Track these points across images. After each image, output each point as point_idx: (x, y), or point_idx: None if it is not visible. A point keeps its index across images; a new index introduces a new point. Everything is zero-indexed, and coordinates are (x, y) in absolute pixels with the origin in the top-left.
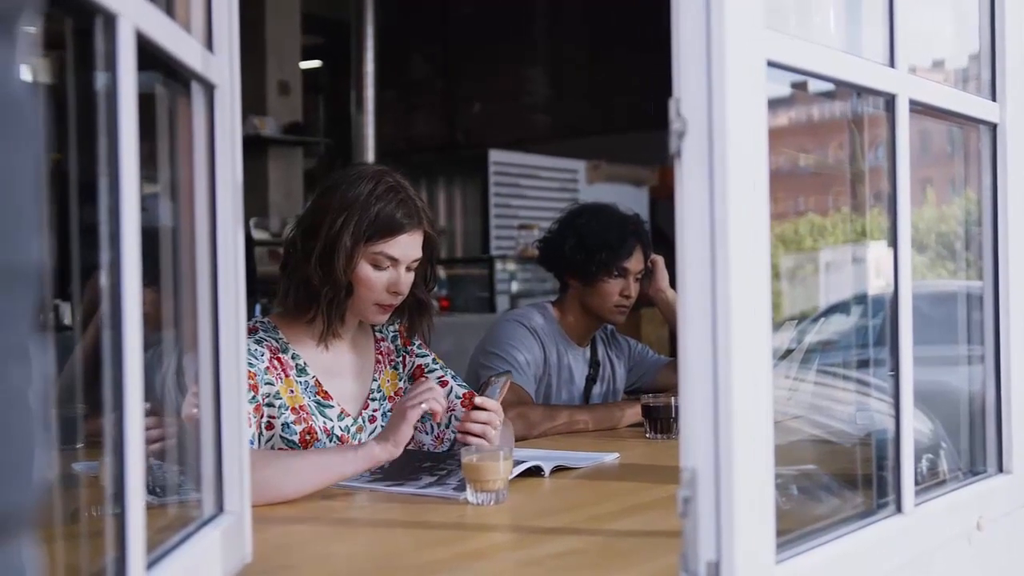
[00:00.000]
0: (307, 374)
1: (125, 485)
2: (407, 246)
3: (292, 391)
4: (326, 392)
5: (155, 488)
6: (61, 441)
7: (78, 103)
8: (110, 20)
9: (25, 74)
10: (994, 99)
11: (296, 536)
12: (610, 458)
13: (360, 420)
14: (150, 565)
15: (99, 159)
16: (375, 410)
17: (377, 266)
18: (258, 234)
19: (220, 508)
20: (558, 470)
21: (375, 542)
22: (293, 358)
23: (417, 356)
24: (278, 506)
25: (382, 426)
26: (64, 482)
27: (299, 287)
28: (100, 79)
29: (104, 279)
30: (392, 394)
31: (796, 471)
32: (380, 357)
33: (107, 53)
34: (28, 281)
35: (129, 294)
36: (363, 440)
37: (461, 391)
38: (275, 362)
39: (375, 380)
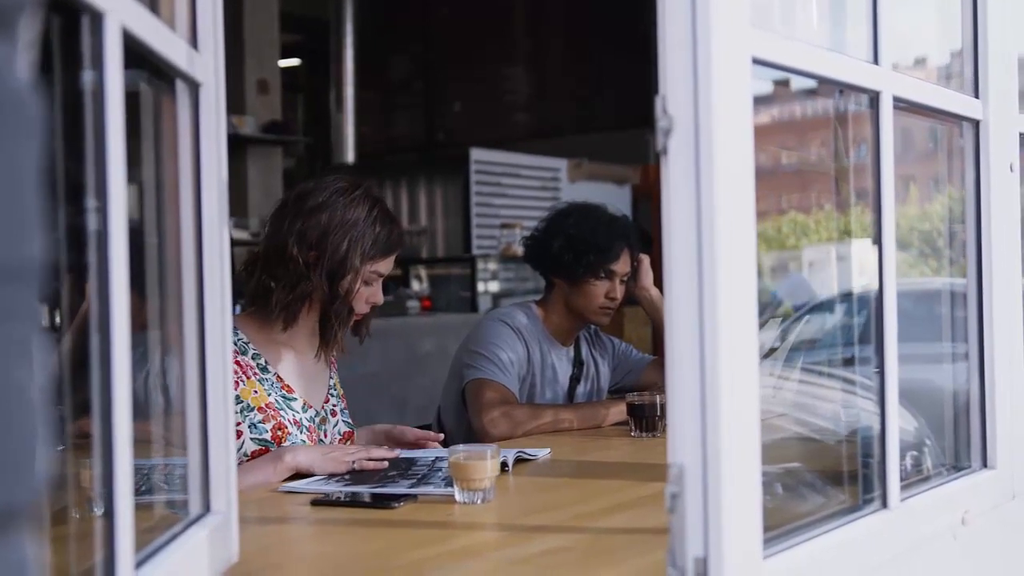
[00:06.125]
0: (269, 372)
1: (113, 486)
2: (392, 263)
3: (256, 391)
4: (288, 386)
5: (139, 487)
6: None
7: (63, 101)
8: (97, 18)
9: (25, 72)
10: (977, 96)
11: (283, 536)
12: (542, 454)
13: (323, 412)
14: (138, 565)
15: (85, 158)
16: (334, 405)
17: (366, 282)
18: (237, 234)
19: (207, 508)
20: (519, 461)
21: (362, 541)
22: (253, 358)
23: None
24: (265, 506)
25: (343, 420)
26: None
27: (300, 300)
28: (86, 77)
29: (90, 280)
30: (341, 394)
31: (782, 469)
32: (333, 360)
33: (93, 51)
34: (30, 278)
35: (116, 294)
36: (328, 432)
37: (344, 428)
38: (234, 365)
39: (331, 378)
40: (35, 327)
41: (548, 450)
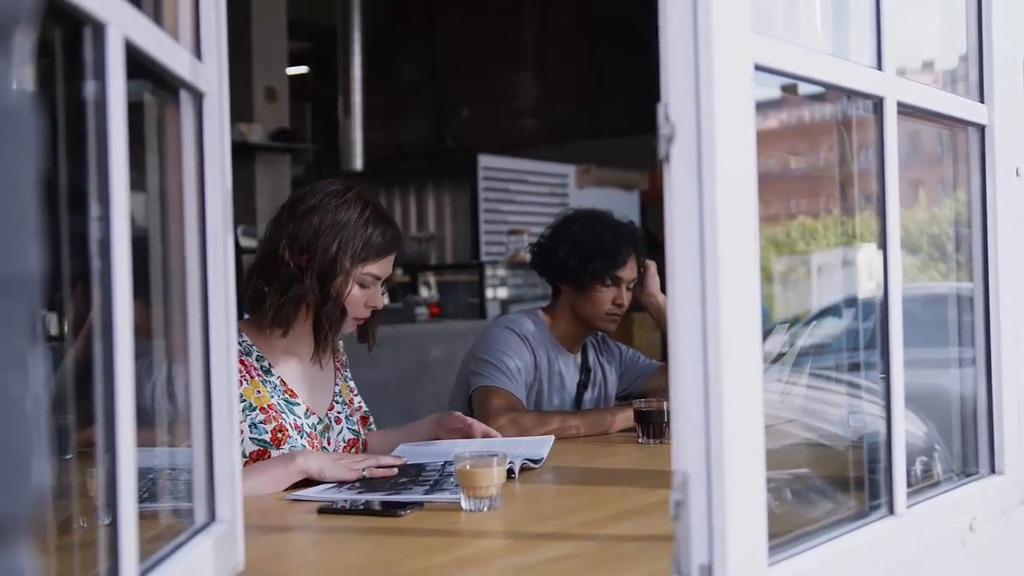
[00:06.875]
0: (273, 375)
1: (117, 495)
2: (390, 265)
3: (259, 391)
4: (292, 391)
5: (144, 495)
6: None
7: (66, 111)
8: (99, 29)
9: (22, 83)
10: (982, 100)
11: (289, 544)
12: (548, 444)
13: (327, 420)
14: (143, 574)
15: (88, 167)
16: (339, 412)
17: (362, 285)
18: (246, 242)
19: (212, 517)
20: (525, 469)
21: (368, 550)
22: (258, 360)
23: (350, 379)
24: (271, 515)
25: (348, 428)
26: (54, 492)
27: (293, 303)
28: (89, 87)
29: (94, 288)
30: (348, 401)
31: (789, 474)
32: (338, 366)
33: (96, 62)
34: (26, 289)
35: (120, 303)
36: (331, 439)
37: (349, 436)
38: (238, 365)
39: (336, 385)
40: (32, 339)
41: (551, 437)
